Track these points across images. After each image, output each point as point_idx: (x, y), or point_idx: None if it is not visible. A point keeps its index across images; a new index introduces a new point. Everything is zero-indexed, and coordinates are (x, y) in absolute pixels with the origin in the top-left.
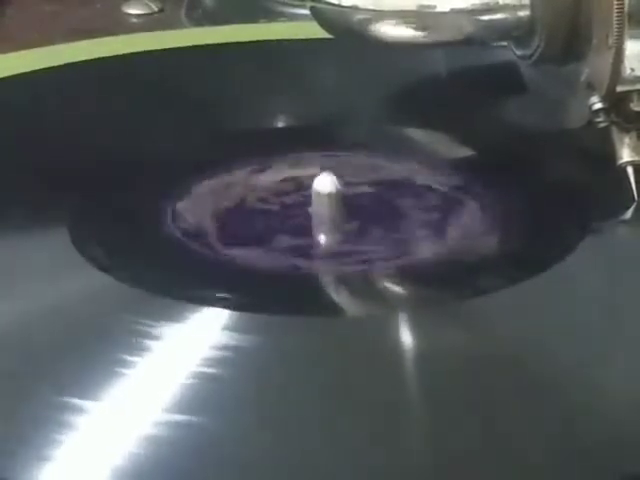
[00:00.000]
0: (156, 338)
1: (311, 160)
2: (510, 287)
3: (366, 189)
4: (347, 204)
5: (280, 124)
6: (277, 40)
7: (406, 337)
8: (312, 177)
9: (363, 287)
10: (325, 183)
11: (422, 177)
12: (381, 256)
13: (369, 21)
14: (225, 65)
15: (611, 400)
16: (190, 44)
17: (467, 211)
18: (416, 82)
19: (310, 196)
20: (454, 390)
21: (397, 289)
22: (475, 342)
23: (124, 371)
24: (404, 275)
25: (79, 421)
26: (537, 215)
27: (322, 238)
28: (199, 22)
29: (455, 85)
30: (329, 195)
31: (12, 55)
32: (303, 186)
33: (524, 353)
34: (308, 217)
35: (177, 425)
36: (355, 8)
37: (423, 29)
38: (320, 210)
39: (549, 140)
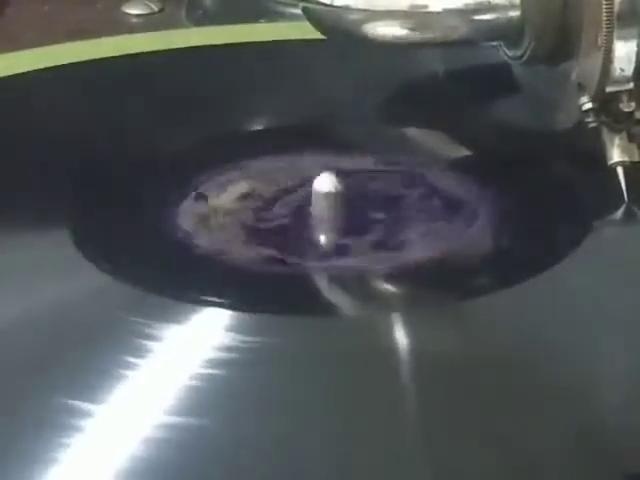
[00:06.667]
0: (157, 339)
1: (311, 160)
2: (506, 288)
3: (365, 189)
4: (347, 204)
5: (280, 124)
6: (277, 40)
7: (406, 337)
8: (312, 177)
9: (363, 287)
10: (325, 183)
11: (420, 177)
12: (381, 256)
13: (361, 21)
14: (225, 65)
15: (611, 400)
16: (190, 44)
17: (464, 211)
18: (415, 82)
19: (310, 196)
20: (453, 390)
21: (396, 289)
22: (474, 343)
23: (124, 372)
24: (403, 276)
25: (80, 423)
26: (529, 216)
27: (322, 238)
28: (199, 22)
29: (449, 85)
30: (329, 195)
31: (12, 55)
32: (303, 186)
33: (522, 353)
34: (308, 217)
35: (179, 427)
36: (347, 8)
37: (414, 29)
38: (320, 210)
39: (540, 140)
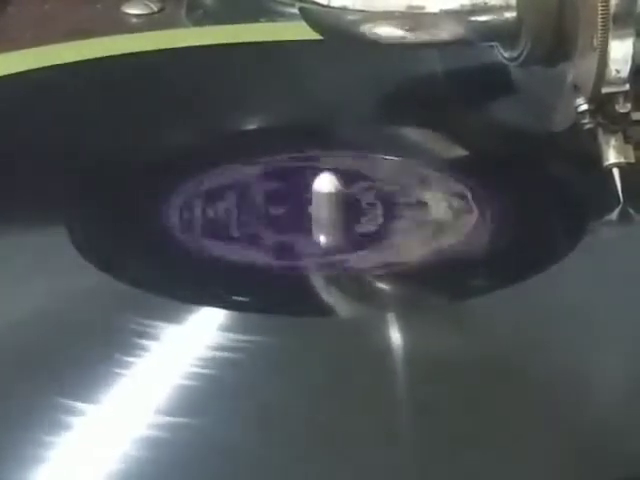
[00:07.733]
0: (155, 338)
1: (311, 160)
2: (502, 289)
3: (365, 189)
4: (347, 204)
5: (280, 124)
6: (277, 40)
7: (404, 338)
8: (312, 177)
9: (362, 287)
10: (325, 183)
11: (418, 177)
12: (379, 256)
13: (358, 22)
14: (225, 65)
15: (610, 401)
16: (190, 44)
17: (462, 211)
18: (412, 83)
19: (310, 196)
20: (453, 390)
21: (395, 290)
22: (471, 343)
23: (120, 371)
24: (401, 276)
25: (76, 422)
26: (525, 217)
27: (321, 238)
28: (199, 22)
29: (445, 86)
30: (329, 195)
31: (12, 55)
32: (303, 186)
33: (519, 354)
34: (308, 217)
35: (174, 426)
36: (344, 9)
37: (412, 30)
38: (320, 210)
39: (536, 141)
